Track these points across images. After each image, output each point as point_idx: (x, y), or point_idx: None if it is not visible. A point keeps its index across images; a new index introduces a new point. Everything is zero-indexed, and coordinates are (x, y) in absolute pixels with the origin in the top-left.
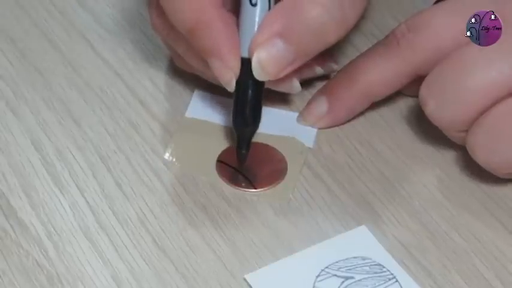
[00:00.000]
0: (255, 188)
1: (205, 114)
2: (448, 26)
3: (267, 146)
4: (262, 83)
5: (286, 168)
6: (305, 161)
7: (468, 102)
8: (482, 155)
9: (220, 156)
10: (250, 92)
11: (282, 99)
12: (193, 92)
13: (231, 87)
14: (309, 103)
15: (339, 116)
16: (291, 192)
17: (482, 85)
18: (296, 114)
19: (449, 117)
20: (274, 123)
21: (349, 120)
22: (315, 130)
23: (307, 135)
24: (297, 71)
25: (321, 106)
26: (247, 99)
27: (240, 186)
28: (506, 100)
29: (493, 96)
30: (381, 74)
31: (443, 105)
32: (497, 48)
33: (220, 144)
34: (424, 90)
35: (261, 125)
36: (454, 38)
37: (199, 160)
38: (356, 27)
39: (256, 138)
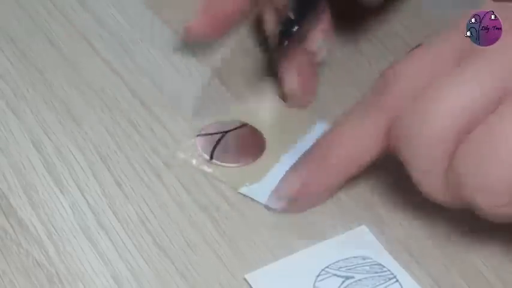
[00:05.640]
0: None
1: None
2: (418, 81)
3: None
4: None
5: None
6: None
7: (431, 147)
8: (471, 182)
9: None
10: None
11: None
12: (193, 92)
13: None
14: (281, 181)
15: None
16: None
17: (438, 132)
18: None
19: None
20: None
21: None
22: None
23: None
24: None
25: (293, 184)
26: None
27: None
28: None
29: (452, 136)
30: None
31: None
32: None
33: None
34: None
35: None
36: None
37: None
38: (361, 31)
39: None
